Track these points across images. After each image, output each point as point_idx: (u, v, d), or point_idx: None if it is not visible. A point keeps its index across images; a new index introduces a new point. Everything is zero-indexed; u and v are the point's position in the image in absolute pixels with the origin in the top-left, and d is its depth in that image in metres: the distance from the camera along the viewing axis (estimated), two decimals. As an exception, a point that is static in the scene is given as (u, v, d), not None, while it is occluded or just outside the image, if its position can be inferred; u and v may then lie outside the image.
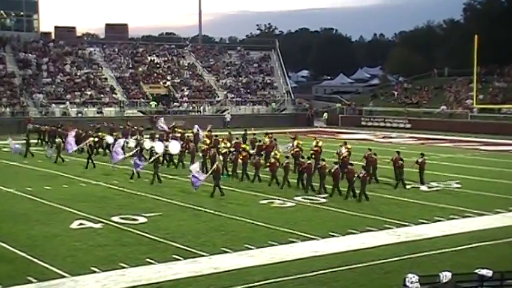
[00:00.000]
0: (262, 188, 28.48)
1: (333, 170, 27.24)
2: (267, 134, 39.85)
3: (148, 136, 40.94)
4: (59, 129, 44.24)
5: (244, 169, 31.39)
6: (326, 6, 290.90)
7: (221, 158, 32.70)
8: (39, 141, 45.93)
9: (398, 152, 31.67)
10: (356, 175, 26.47)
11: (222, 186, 27.12)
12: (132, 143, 37.30)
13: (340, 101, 78.60)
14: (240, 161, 31.81)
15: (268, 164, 31.17)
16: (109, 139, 39.25)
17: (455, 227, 21.99)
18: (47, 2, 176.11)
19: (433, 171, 32.96)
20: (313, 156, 33.77)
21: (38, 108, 59.99)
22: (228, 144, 36.44)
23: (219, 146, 35.11)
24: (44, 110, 59.87)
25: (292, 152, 34.05)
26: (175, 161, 35.64)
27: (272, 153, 32.24)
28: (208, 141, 36.91)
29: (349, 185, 26.78)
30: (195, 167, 27.68)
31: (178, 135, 41.55)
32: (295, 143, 35.91)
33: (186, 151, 36.38)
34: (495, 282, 14.66)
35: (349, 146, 34.29)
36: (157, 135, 41.60)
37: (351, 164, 28.45)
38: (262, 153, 35.17)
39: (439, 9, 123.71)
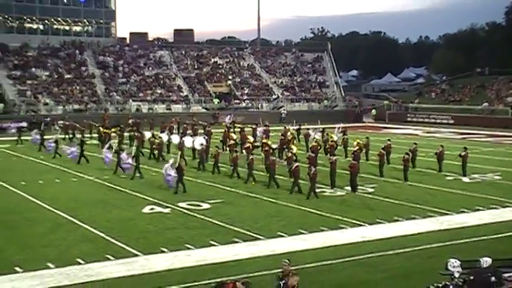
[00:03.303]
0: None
1: (293, 168, 25.90)
2: (288, 129, 39.67)
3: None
4: (78, 125, 44.99)
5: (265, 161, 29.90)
6: (374, 10, 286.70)
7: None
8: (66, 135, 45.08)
9: (442, 146, 31.39)
10: (308, 172, 24.91)
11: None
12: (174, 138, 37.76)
13: (387, 98, 77.58)
14: (263, 154, 31.16)
15: (285, 158, 30.31)
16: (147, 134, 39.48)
17: (495, 216, 21.54)
18: (123, 10, 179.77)
19: (474, 164, 32.23)
20: (328, 150, 33.14)
21: (114, 105, 61.15)
22: (235, 137, 36.35)
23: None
24: (119, 107, 60.99)
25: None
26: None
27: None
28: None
29: (351, 178, 25.85)
30: (166, 166, 26.04)
31: (238, 129, 41.84)
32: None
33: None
34: (533, 268, 14.38)
35: (359, 141, 33.63)
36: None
37: (356, 160, 27.84)
38: (284, 147, 34.65)
39: (481, 12, 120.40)
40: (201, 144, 33.93)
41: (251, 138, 36.53)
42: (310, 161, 28.16)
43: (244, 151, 32.40)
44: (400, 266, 15.96)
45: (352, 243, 17.99)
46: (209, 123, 49.07)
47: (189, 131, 42.69)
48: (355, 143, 33.30)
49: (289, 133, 38.13)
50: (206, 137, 37.56)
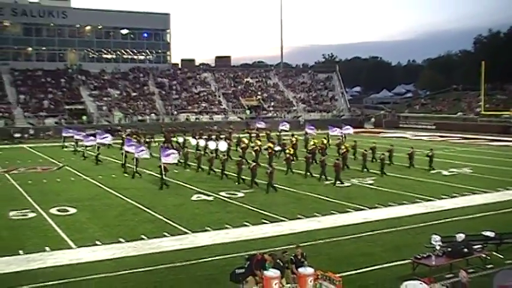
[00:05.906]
0: (327, 173, 27.86)
1: (251, 167, 24.92)
2: (293, 135, 38.88)
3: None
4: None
5: (270, 161, 28.91)
6: (373, 40, 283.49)
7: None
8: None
9: (412, 147, 30.79)
10: (266, 171, 23.82)
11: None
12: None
13: (383, 109, 76.81)
14: (267, 155, 30.59)
15: (284, 158, 29.61)
16: (180, 139, 38.63)
17: (468, 201, 21.32)
18: (176, 42, 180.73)
19: (451, 160, 31.85)
20: (320, 151, 31.90)
21: (169, 116, 61.62)
22: (246, 141, 35.40)
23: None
24: (173, 118, 61.44)
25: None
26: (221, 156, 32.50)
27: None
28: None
29: (335, 173, 25.10)
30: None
31: (263, 134, 41.46)
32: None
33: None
34: (496, 241, 14.46)
35: (347, 145, 32.61)
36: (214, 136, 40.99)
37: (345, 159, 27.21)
38: (284, 149, 33.69)
39: (455, 42, 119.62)
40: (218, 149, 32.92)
41: (258, 142, 34.94)
42: (307, 160, 27.77)
43: (253, 153, 31.78)
44: (394, 241, 15.84)
45: (356, 223, 17.90)
46: (241, 129, 48.79)
47: (213, 137, 41.94)
48: (342, 146, 32.46)
49: (293, 138, 37.15)
50: (228, 141, 36.82)
